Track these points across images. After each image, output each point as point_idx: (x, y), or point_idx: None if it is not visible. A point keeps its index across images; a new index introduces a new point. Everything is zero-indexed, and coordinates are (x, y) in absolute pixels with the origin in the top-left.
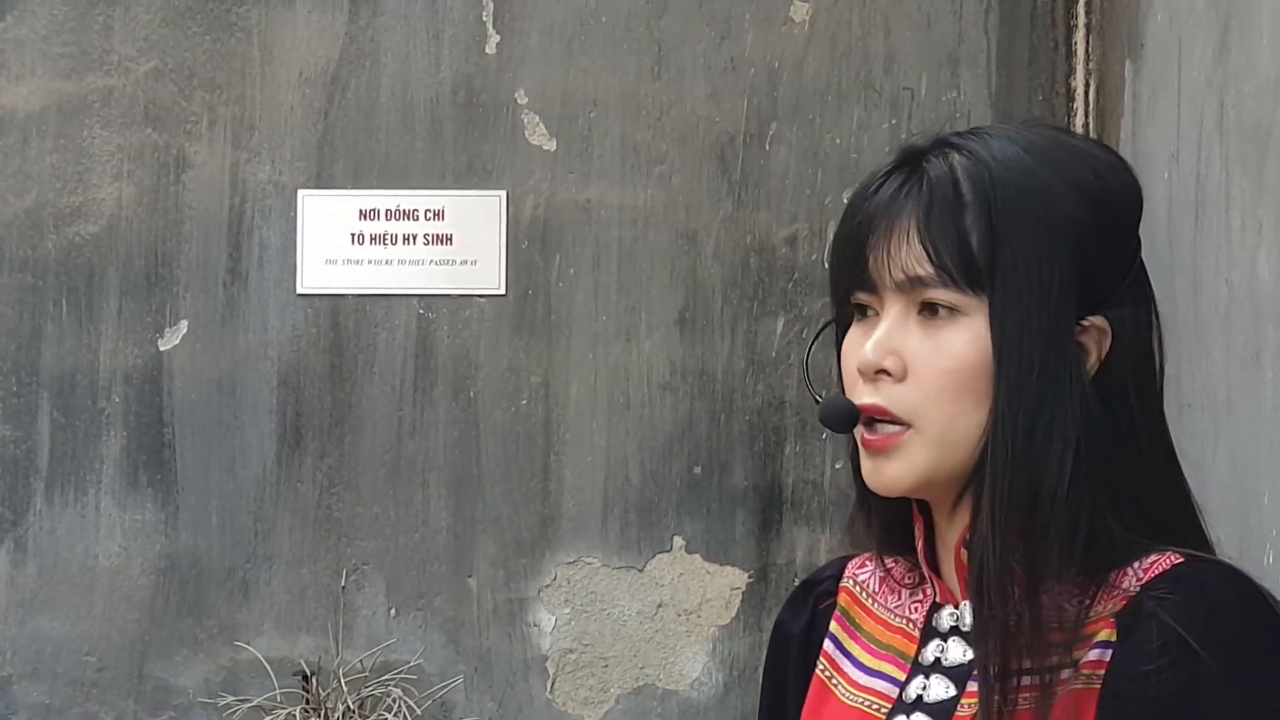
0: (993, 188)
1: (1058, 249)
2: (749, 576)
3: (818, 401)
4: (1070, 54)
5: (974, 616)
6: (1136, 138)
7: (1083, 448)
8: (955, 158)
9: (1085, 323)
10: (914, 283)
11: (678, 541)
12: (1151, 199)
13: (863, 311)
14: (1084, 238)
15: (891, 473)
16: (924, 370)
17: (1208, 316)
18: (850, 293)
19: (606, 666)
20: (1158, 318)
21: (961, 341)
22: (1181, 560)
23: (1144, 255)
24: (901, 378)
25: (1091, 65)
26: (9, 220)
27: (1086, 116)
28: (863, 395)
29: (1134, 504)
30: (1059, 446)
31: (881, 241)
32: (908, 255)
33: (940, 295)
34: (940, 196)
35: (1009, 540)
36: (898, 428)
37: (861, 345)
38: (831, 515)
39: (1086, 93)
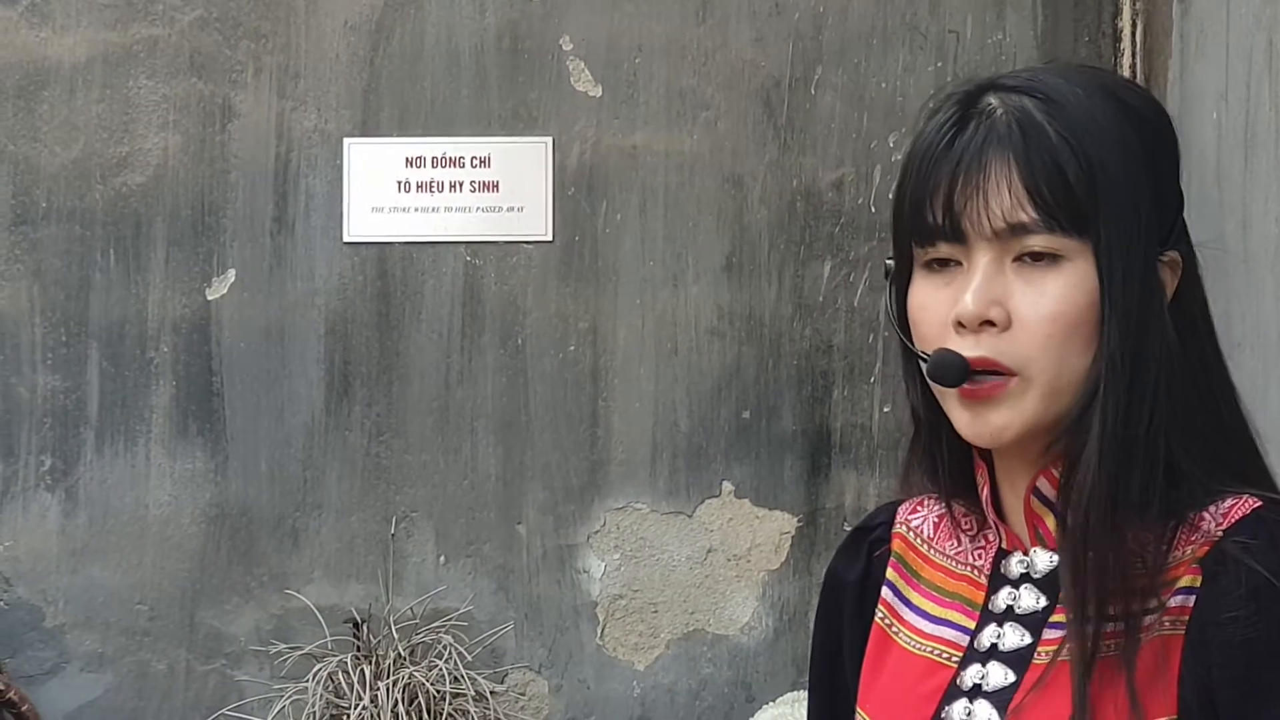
0: (1079, 127)
1: (1141, 184)
2: (798, 521)
3: (924, 359)
4: None
5: (1069, 561)
6: (1185, 78)
7: (1162, 384)
8: (1025, 100)
9: (1164, 258)
10: (1015, 230)
11: (726, 486)
12: (1200, 139)
13: (942, 264)
14: (1157, 172)
15: (998, 421)
16: (1030, 319)
17: (1258, 255)
18: (927, 244)
19: (656, 612)
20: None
21: (1066, 286)
22: (1260, 504)
23: (1193, 194)
24: (1006, 327)
25: (1139, 6)
26: (56, 171)
27: (1134, 58)
28: (965, 347)
29: (1204, 442)
30: (1152, 383)
31: (975, 191)
32: (1010, 203)
33: (1042, 241)
34: (1034, 141)
35: (1112, 482)
36: (1002, 377)
37: (940, 297)
38: (880, 459)
39: (1134, 34)
